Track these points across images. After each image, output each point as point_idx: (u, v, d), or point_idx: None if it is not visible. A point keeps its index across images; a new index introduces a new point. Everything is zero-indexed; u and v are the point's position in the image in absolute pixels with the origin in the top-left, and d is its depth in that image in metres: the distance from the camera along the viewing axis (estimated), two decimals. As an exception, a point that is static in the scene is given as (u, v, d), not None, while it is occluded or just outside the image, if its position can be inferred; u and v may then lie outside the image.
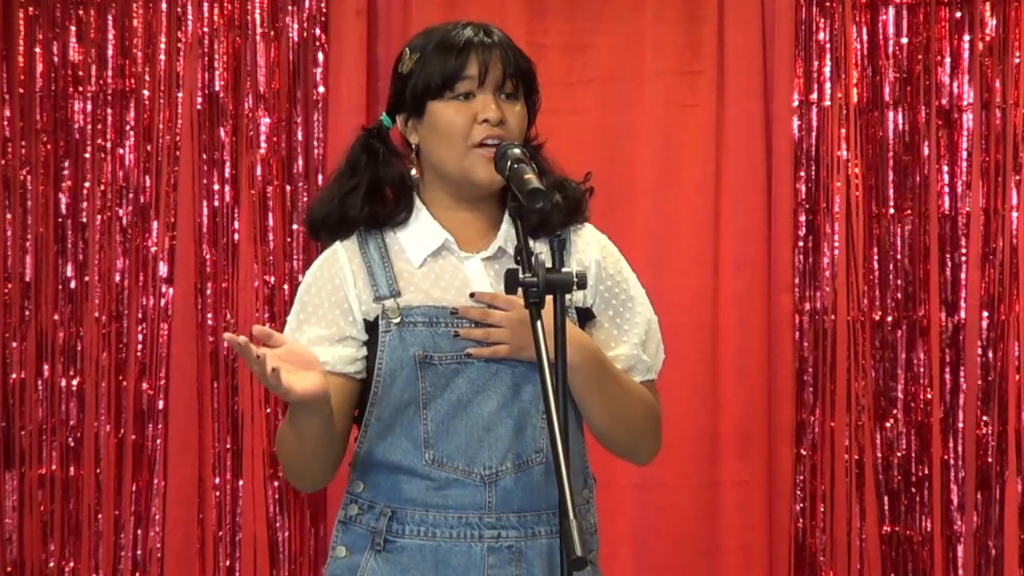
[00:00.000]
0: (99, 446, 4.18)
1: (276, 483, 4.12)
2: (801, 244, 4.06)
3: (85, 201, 4.19)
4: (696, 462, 4.05)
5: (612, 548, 3.77)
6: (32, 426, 4.22)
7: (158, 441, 4.16)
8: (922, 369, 4.03)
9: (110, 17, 4.18)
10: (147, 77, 4.16)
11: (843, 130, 4.04)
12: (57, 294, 4.21)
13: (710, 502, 4.06)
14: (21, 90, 4.21)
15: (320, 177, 4.10)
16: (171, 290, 4.16)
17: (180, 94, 4.15)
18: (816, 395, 4.06)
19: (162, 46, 4.16)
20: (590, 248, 2.40)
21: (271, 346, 2.14)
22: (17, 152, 4.21)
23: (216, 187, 4.15)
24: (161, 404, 4.16)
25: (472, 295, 2.31)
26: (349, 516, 2.36)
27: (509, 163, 2.23)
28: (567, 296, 2.15)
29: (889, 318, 4.05)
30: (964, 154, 4.01)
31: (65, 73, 4.20)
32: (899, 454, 4.04)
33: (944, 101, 4.03)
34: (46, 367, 4.21)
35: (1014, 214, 4.01)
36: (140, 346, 4.17)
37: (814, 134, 4.05)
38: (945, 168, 4.03)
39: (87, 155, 4.19)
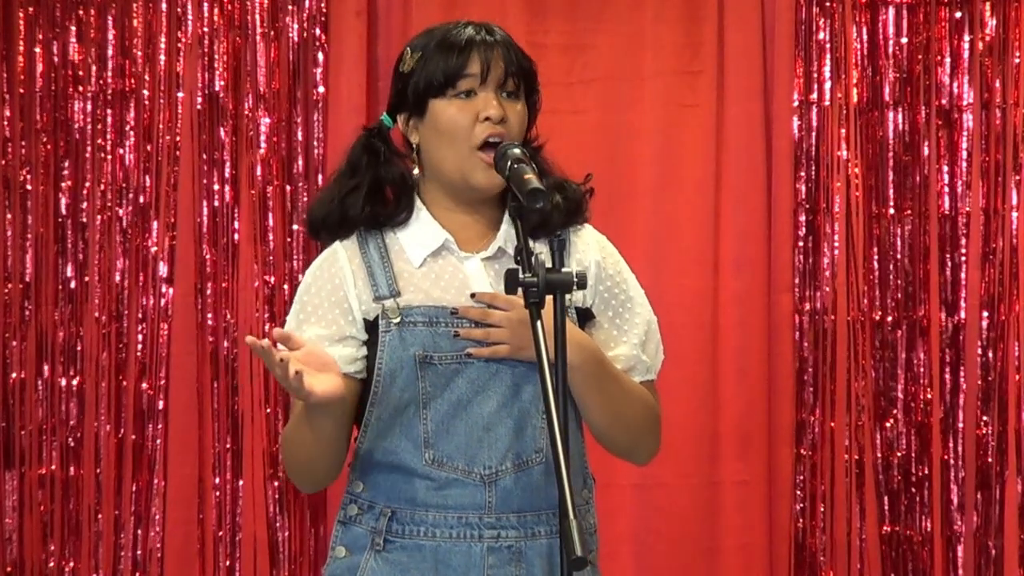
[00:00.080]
0: (99, 446, 4.18)
1: (276, 483, 4.12)
2: (801, 244, 4.06)
3: (85, 201, 4.19)
4: (696, 462, 4.05)
5: (612, 548, 3.77)
6: (32, 426, 4.21)
7: (158, 441, 4.16)
8: (922, 369, 4.03)
9: (110, 17, 4.18)
10: (147, 77, 4.16)
11: (843, 130, 4.04)
12: (57, 294, 4.20)
13: (710, 502, 4.06)
14: (21, 90, 4.20)
15: (320, 177, 4.09)
16: (171, 290, 4.16)
17: (180, 94, 4.15)
18: (816, 395, 4.06)
19: (162, 46, 4.16)
20: (590, 249, 2.40)
21: (290, 348, 2.14)
22: (17, 152, 4.21)
23: (216, 187, 4.15)
24: (161, 404, 4.16)
25: (472, 295, 2.31)
26: (349, 516, 2.36)
27: (509, 163, 2.23)
28: (567, 296, 2.15)
29: (889, 318, 4.05)
30: (964, 154, 4.01)
31: (65, 73, 4.20)
32: (899, 454, 4.04)
33: (944, 101, 4.03)
34: (46, 367, 4.21)
35: (1014, 214, 4.01)
36: (140, 346, 4.16)
37: (814, 134, 4.06)
38: (945, 168, 4.03)
39: (87, 155, 4.19)
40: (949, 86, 4.03)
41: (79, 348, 4.19)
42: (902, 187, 4.04)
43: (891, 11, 4.04)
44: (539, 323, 2.08)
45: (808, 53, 4.05)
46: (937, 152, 4.03)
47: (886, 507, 4.04)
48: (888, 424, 4.04)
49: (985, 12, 4.00)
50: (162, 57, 4.16)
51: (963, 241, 4.02)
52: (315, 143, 4.13)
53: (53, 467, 4.21)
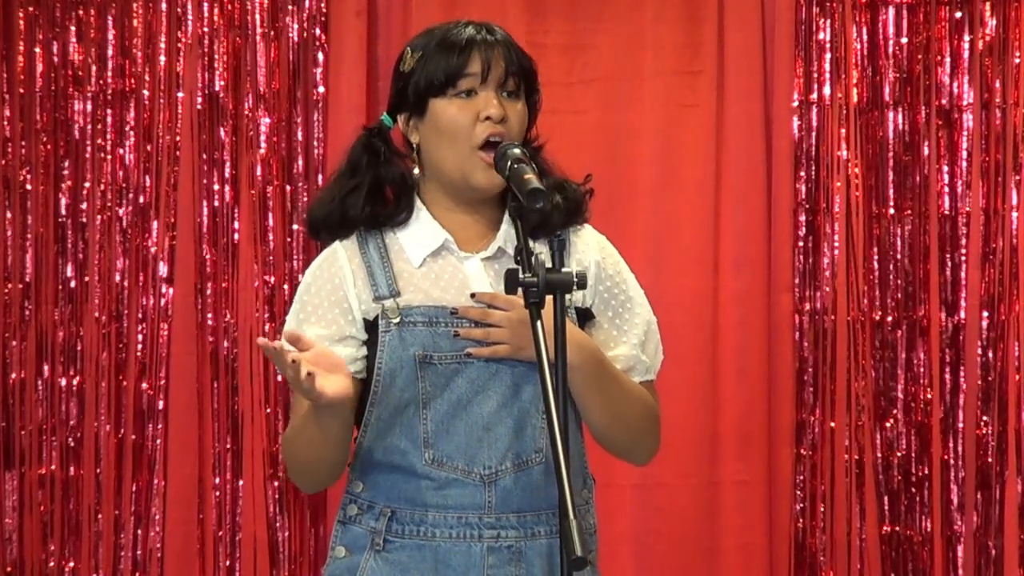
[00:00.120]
0: (99, 446, 4.18)
1: (276, 483, 4.12)
2: (801, 244, 4.06)
3: (85, 201, 4.19)
4: (696, 462, 4.05)
5: (612, 548, 3.77)
6: (32, 426, 4.21)
7: (158, 441, 4.16)
8: (922, 369, 4.03)
9: (110, 17, 4.18)
10: (147, 77, 4.16)
11: (843, 130, 4.04)
12: (57, 294, 4.20)
13: (710, 502, 4.06)
14: (21, 90, 4.20)
15: (320, 177, 4.09)
16: (171, 290, 4.16)
17: (180, 94, 4.15)
18: (816, 395, 4.06)
19: (162, 46, 4.16)
20: (589, 249, 2.41)
21: (300, 349, 2.13)
22: (17, 152, 4.21)
23: (216, 187, 4.15)
24: (161, 404, 4.16)
25: (472, 295, 2.31)
26: (348, 516, 2.36)
27: (509, 163, 2.23)
28: (566, 296, 2.15)
29: (889, 318, 4.05)
30: (964, 154, 4.01)
31: (65, 73, 4.20)
32: (899, 454, 4.04)
33: (944, 101, 4.03)
34: (46, 367, 4.21)
35: (1014, 214, 4.01)
36: (140, 346, 4.16)
37: (814, 134, 4.06)
38: (945, 168, 4.03)
39: (87, 155, 4.19)
40: (949, 86, 4.03)
41: (79, 348, 4.19)
42: (902, 187, 4.04)
43: (891, 11, 4.04)
44: (539, 323, 2.08)
45: (808, 53, 4.05)
46: (937, 152, 4.03)
47: (886, 507, 4.04)
48: (888, 424, 4.04)
49: (985, 12, 4.00)
50: (162, 57, 4.16)
51: (963, 241, 4.02)
52: (315, 143, 4.13)
53: (53, 467, 4.21)
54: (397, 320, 2.30)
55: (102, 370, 4.17)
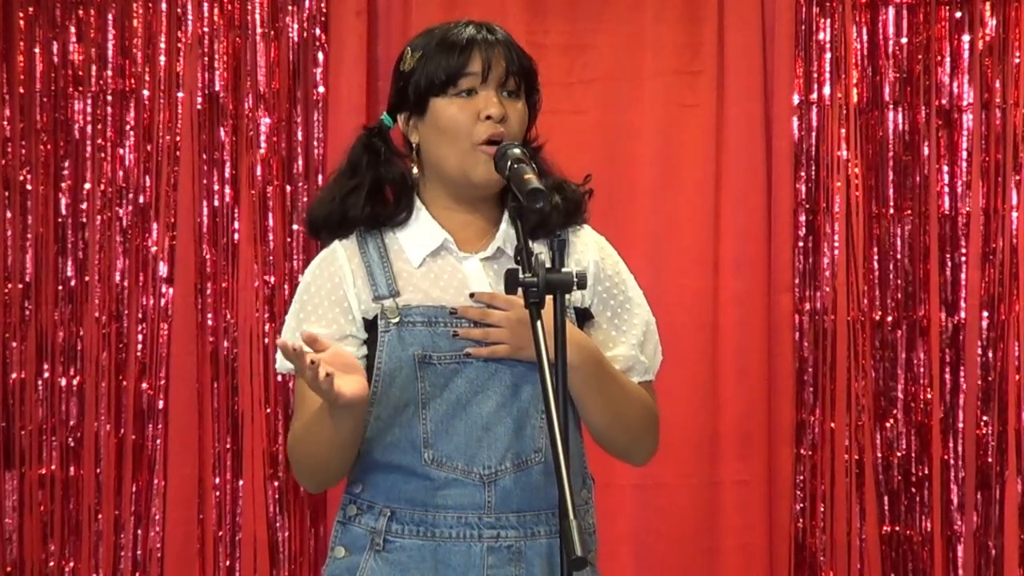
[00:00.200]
0: (99, 446, 4.18)
1: (276, 483, 4.12)
2: (801, 244, 4.06)
3: (85, 201, 4.19)
4: (696, 462, 4.05)
5: (612, 548, 3.77)
6: (32, 426, 4.21)
7: (158, 441, 4.16)
8: (922, 369, 4.03)
9: (110, 17, 4.18)
10: (147, 77, 4.16)
11: (843, 130, 4.04)
12: (57, 294, 4.20)
13: (710, 502, 4.06)
14: (21, 90, 4.21)
15: (320, 177, 4.09)
16: (171, 290, 4.16)
17: (180, 94, 4.15)
18: (816, 395, 4.06)
19: (162, 46, 4.16)
20: (588, 249, 2.41)
21: (316, 349, 2.13)
22: (17, 152, 4.21)
23: (216, 187, 4.15)
24: (161, 404, 4.16)
25: (471, 295, 2.31)
26: (348, 516, 2.36)
27: (509, 163, 2.23)
28: (566, 296, 2.14)
29: (889, 318, 4.05)
30: (964, 154, 4.01)
31: (65, 73, 4.20)
32: (899, 454, 4.04)
33: (944, 101, 4.03)
34: (46, 367, 4.21)
35: (1014, 214, 4.01)
36: (140, 346, 4.16)
37: (814, 134, 4.06)
38: (945, 168, 4.03)
39: (87, 155, 4.19)
40: (949, 86, 4.03)
41: (79, 348, 4.19)
42: (902, 187, 4.04)
43: (891, 11, 4.04)
44: (539, 323, 2.08)
45: (808, 53, 4.05)
46: (937, 152, 4.03)
47: (886, 507, 4.04)
48: (888, 424, 4.04)
49: (985, 12, 4.00)
50: (162, 57, 4.16)
51: (963, 241, 4.02)
52: (315, 143, 4.13)
53: (53, 467, 4.21)
54: (396, 320, 2.30)
55: (102, 370, 4.18)
